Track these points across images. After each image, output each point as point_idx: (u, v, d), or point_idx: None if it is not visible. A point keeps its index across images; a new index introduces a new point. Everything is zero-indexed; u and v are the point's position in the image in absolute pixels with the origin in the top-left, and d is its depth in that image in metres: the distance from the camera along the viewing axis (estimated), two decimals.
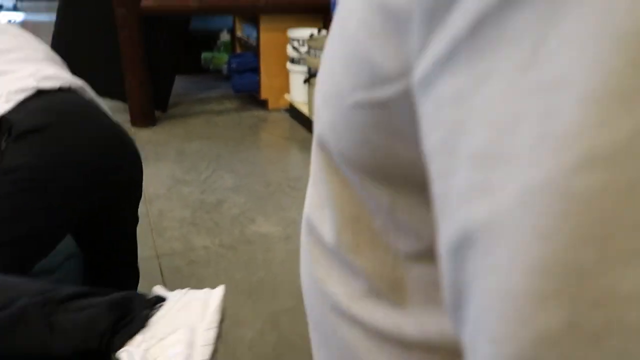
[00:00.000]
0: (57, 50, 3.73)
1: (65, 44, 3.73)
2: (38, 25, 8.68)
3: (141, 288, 2.15)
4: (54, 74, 1.27)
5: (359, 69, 0.27)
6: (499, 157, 0.16)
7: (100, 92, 1.97)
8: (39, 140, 1.10)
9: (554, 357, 0.16)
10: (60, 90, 1.25)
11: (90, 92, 1.49)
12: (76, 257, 1.80)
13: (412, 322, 0.32)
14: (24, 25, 8.56)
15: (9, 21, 8.39)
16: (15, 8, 10.08)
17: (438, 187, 0.21)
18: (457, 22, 0.18)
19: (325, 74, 0.32)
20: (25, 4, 10.83)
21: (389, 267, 0.32)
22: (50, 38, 3.82)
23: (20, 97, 1.15)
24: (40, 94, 1.19)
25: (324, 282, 0.37)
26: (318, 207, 0.37)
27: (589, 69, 0.14)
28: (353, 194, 0.33)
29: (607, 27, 0.14)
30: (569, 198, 0.15)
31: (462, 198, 0.19)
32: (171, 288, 2.17)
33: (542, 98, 0.15)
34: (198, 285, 2.17)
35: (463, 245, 0.19)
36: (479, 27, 0.17)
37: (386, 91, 0.25)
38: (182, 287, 2.17)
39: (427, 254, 0.30)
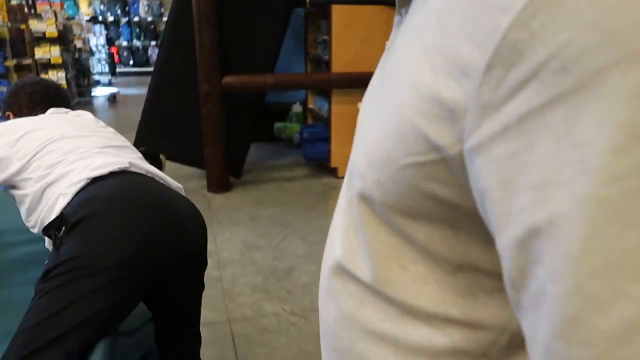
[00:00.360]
0: (148, 121, 4.08)
1: (155, 116, 4.06)
2: (128, 98, 9.55)
3: (212, 353, 2.15)
4: (104, 162, 1.37)
5: (414, 141, 0.35)
6: (553, 182, 0.26)
7: (181, 160, 2.12)
8: (85, 229, 1.19)
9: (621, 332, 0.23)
10: (112, 174, 1.34)
11: (145, 166, 1.54)
12: None
13: (439, 333, 0.40)
14: (117, 97, 9.45)
15: (109, 95, 9.29)
16: (109, 83, 11.21)
17: (499, 209, 0.30)
18: (508, 114, 0.28)
19: (371, 144, 0.40)
20: (118, 79, 12.01)
21: (417, 291, 0.41)
22: (139, 108, 4.18)
23: (74, 189, 1.28)
24: (93, 181, 1.30)
25: (356, 313, 0.45)
26: (353, 251, 0.45)
27: (604, 135, 0.24)
28: (388, 237, 0.41)
29: (612, 115, 0.24)
30: (600, 199, 0.24)
31: (526, 210, 0.27)
32: (242, 354, 2.16)
33: (577, 151, 0.25)
34: (270, 354, 2.15)
35: (528, 237, 0.27)
36: (525, 118, 0.27)
37: (438, 154, 0.34)
38: (252, 353, 2.15)
39: (455, 270, 0.39)
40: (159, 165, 2.05)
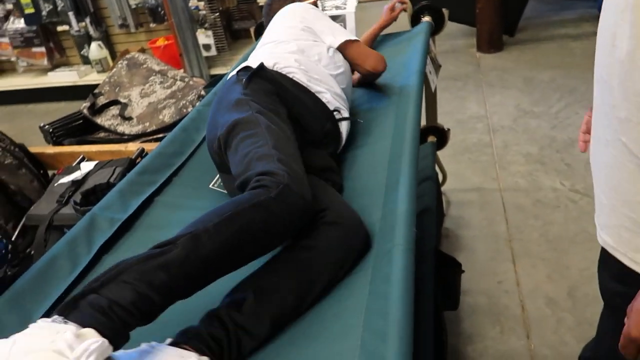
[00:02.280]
0: None
1: None
2: None
3: (482, 217, 2.14)
4: None
5: None
6: None
7: (450, 16, 1.96)
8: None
9: None
10: None
11: None
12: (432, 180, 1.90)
13: None
14: None
15: None
16: None
17: None
18: None
19: None
20: None
21: None
22: None
23: None
24: None
25: None
26: None
27: None
28: None
29: None
30: None
31: None
32: (514, 224, 2.09)
33: None
34: (544, 228, 2.03)
35: None
36: None
37: None
38: (525, 225, 2.06)
39: None
40: (442, 20, 1.93)
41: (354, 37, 1.45)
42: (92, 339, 0.63)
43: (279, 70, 1.26)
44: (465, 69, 3.56)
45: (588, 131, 0.90)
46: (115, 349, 0.66)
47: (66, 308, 0.68)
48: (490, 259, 1.92)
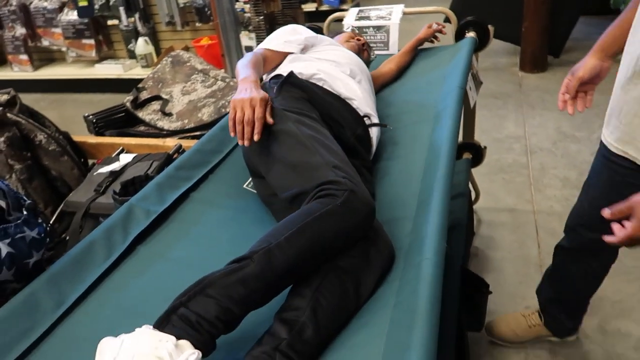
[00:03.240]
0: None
1: None
2: None
3: (513, 239, 2.10)
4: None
5: None
6: None
7: (494, 34, 1.94)
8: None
9: None
10: None
11: None
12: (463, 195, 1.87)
13: None
14: None
15: None
16: None
17: None
18: None
19: None
20: None
21: None
22: None
23: None
24: None
25: None
26: None
27: None
28: None
29: None
30: None
31: None
32: (545, 248, 2.04)
33: None
34: None
35: None
36: None
37: None
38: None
39: None
40: (486, 36, 1.91)
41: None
42: (190, 350, 0.70)
43: (308, 79, 1.28)
44: (507, 88, 3.51)
45: (566, 92, 1.23)
46: (205, 356, 0.73)
47: (161, 322, 0.75)
48: (519, 282, 1.88)
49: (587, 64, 1.19)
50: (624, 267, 1.87)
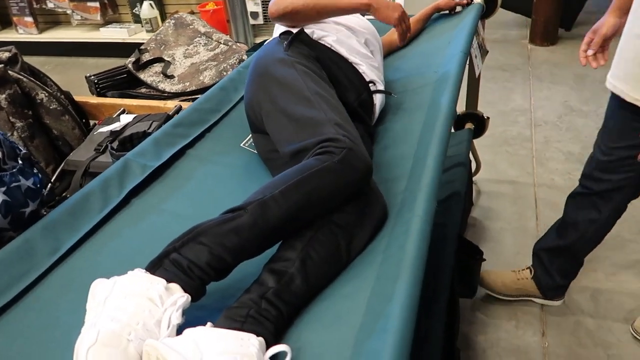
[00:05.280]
0: None
1: None
2: None
3: (513, 210, 2.10)
4: None
5: None
6: None
7: (505, 4, 1.89)
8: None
9: None
10: None
11: None
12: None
13: None
14: None
15: None
16: None
17: None
18: None
19: None
20: None
21: None
22: None
23: None
24: None
25: None
26: None
27: None
28: None
29: None
30: None
31: None
32: (543, 220, 2.04)
33: None
34: None
35: None
36: None
37: None
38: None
39: None
40: (494, 3, 1.87)
41: None
42: (179, 293, 0.72)
43: (318, 40, 1.26)
44: (515, 60, 3.45)
45: (587, 48, 1.40)
46: (194, 301, 0.75)
47: (153, 265, 0.77)
48: (516, 252, 1.89)
49: (608, 22, 1.34)
50: (621, 240, 1.87)
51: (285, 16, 1.26)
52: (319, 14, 1.27)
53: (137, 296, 0.69)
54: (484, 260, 1.53)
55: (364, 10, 1.28)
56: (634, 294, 1.68)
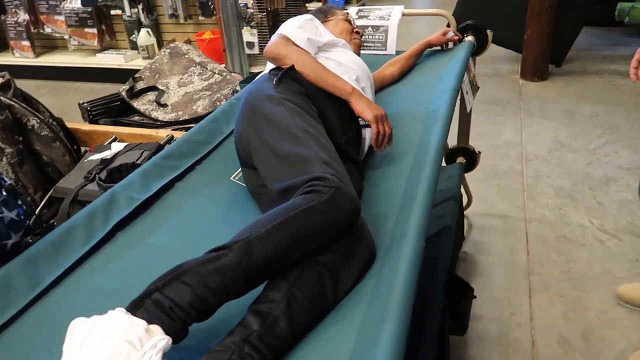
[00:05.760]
0: (466, 3, 3.79)
1: None
2: None
3: (503, 245, 2.09)
4: None
5: None
6: None
7: (496, 40, 1.94)
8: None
9: None
10: None
11: None
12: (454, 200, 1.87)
13: None
14: None
15: None
16: None
17: None
18: None
19: None
20: None
21: None
22: None
23: None
24: None
25: None
26: None
27: None
28: None
29: None
30: None
31: None
32: (535, 256, 2.03)
33: None
34: (566, 264, 1.96)
35: None
36: None
37: None
38: (547, 259, 2.00)
39: None
40: (484, 40, 1.90)
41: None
42: (159, 335, 0.70)
43: None
44: (506, 95, 3.51)
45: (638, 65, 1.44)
46: (176, 343, 0.73)
47: (134, 305, 0.75)
48: (507, 288, 1.88)
49: None
50: (612, 277, 1.87)
51: (276, 61, 1.29)
52: (308, 76, 1.25)
53: (115, 338, 0.67)
54: (475, 297, 1.51)
55: (344, 96, 1.22)
56: (624, 333, 1.66)
